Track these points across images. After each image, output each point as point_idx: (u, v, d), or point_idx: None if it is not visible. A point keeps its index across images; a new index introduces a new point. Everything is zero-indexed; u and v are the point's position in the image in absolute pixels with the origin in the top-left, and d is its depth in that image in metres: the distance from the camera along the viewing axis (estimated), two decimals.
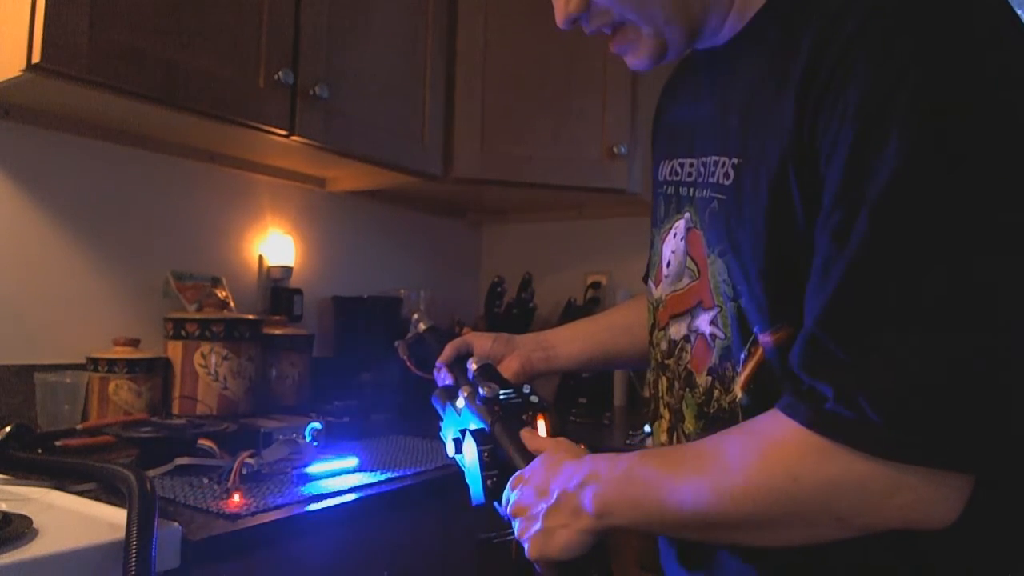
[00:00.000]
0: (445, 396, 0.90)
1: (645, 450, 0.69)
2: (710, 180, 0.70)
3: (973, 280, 0.51)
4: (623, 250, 2.28)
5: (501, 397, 0.82)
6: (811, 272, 0.58)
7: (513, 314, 2.23)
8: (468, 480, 0.80)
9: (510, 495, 0.73)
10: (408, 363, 1.05)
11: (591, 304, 2.26)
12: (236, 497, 1.04)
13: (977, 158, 0.52)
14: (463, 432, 0.82)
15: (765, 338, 0.63)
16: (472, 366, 0.90)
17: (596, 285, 2.31)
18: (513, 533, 0.73)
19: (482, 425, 0.80)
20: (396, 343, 1.07)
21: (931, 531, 0.54)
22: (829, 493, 0.55)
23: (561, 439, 0.77)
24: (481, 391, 0.82)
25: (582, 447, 0.75)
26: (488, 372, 0.89)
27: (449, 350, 1.00)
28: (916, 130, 0.52)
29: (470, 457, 0.79)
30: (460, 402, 0.85)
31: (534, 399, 0.82)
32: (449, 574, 1.30)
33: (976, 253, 0.51)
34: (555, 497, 0.68)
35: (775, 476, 0.57)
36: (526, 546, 0.70)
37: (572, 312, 2.21)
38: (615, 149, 1.93)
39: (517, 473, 0.74)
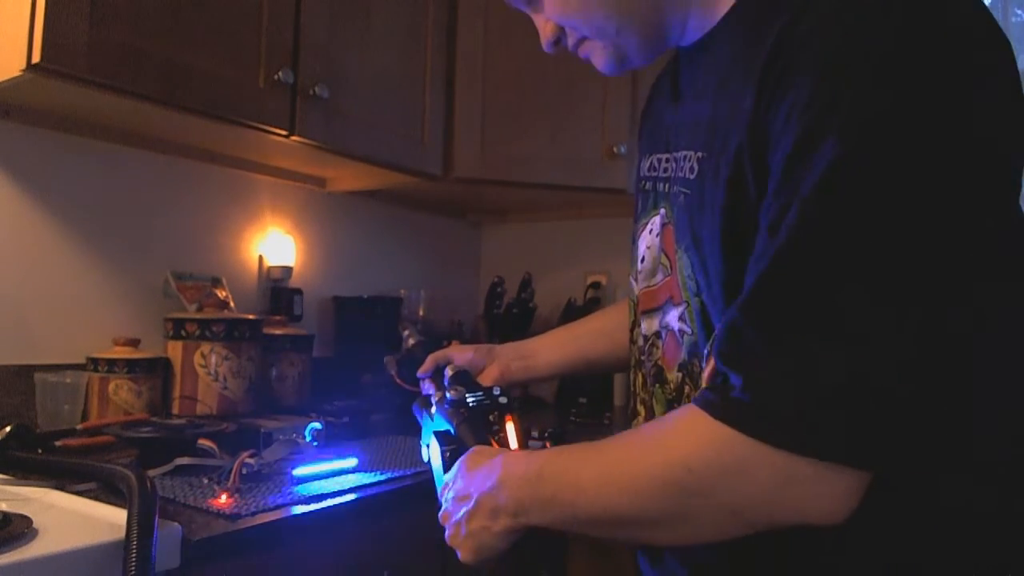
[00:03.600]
0: (424, 405, 0.92)
1: (558, 447, 0.70)
2: (679, 175, 0.71)
3: (892, 288, 0.51)
4: (623, 250, 2.24)
5: (469, 400, 0.83)
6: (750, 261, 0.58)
7: (513, 314, 2.23)
8: (435, 482, 0.82)
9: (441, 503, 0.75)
10: (395, 378, 1.06)
11: (591, 304, 2.26)
12: (223, 497, 1.03)
13: (910, 165, 0.52)
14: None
15: None
16: (448, 373, 0.93)
17: (596, 285, 2.30)
18: None
19: (449, 427, 0.82)
20: (385, 359, 1.08)
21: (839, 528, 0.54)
22: (722, 484, 0.55)
23: (479, 447, 0.77)
24: (449, 395, 0.84)
25: (535, 449, 0.75)
26: (461, 378, 0.91)
27: (429, 362, 1.02)
28: (854, 131, 0.53)
29: (436, 459, 0.81)
30: (433, 408, 0.86)
31: (503, 400, 0.84)
32: (449, 574, 1.30)
33: (899, 260, 0.51)
34: (473, 501, 0.69)
35: (672, 467, 0.57)
36: (458, 553, 0.72)
37: (572, 312, 2.21)
38: (615, 149, 1.93)
39: (443, 482, 0.75)
